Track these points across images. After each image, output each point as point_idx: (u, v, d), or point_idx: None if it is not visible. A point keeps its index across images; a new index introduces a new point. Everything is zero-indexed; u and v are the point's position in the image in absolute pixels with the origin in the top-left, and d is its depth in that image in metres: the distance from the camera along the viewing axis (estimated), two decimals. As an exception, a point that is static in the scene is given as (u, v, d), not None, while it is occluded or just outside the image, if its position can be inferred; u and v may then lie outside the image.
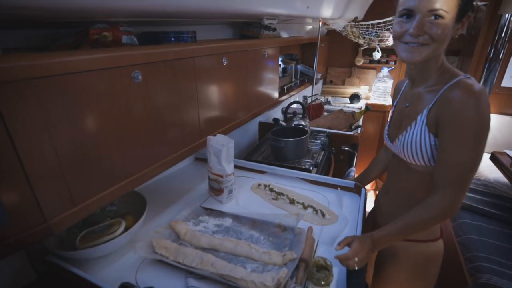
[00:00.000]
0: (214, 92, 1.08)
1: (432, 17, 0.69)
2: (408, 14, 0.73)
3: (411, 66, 0.84)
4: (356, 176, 1.22)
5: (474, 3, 0.72)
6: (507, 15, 2.14)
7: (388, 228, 0.79)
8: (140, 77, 0.76)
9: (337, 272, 0.79)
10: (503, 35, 2.20)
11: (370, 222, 1.09)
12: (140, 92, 0.77)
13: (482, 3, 0.74)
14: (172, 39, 0.97)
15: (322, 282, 0.65)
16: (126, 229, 0.84)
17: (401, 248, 0.92)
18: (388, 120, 1.00)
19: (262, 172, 1.31)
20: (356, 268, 0.75)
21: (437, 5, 0.68)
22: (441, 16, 0.69)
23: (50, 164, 0.59)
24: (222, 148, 0.98)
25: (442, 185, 0.74)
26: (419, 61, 0.75)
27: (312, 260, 0.69)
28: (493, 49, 2.27)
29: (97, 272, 0.78)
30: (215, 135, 1.05)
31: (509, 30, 2.18)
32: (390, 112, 0.98)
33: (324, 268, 0.68)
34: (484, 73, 2.35)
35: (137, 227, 0.84)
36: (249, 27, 1.45)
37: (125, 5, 0.66)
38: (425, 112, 0.77)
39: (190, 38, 1.01)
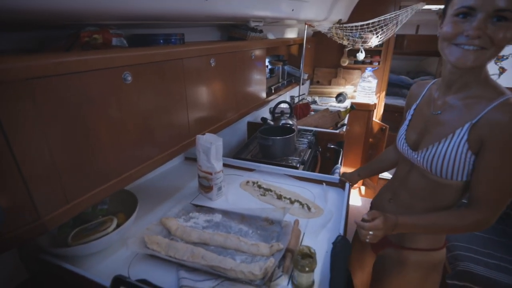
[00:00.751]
0: (203, 93, 1.11)
1: (495, 19, 0.62)
2: (467, 12, 0.65)
3: (453, 70, 0.74)
4: (352, 170, 1.23)
5: None
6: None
7: (415, 218, 0.80)
8: (130, 78, 0.78)
9: (322, 259, 0.83)
10: (478, 36, 2.32)
11: None
12: (131, 92, 0.79)
13: None
14: (161, 41, 1.00)
15: (307, 269, 0.70)
16: (118, 226, 0.87)
17: (409, 258, 0.91)
18: (405, 123, 0.92)
19: (251, 170, 1.35)
20: (367, 241, 0.80)
21: (505, 4, 0.60)
22: (506, 18, 0.62)
23: (45, 162, 0.61)
24: (211, 146, 1.02)
25: (481, 202, 0.73)
26: (471, 67, 0.68)
27: (297, 248, 0.74)
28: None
29: (90, 268, 0.80)
30: (204, 134, 1.08)
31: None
32: (407, 115, 0.93)
33: (308, 256, 0.72)
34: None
35: (129, 223, 0.87)
36: (236, 29, 1.49)
37: (115, 8, 0.69)
38: (466, 126, 0.72)
39: (178, 40, 1.04)
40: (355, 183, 1.20)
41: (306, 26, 2.18)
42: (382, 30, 2.35)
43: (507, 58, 2.53)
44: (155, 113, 0.90)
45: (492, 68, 2.58)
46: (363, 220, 0.81)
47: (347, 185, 1.16)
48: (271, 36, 1.99)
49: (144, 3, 0.76)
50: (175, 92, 0.97)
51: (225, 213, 1.01)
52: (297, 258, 0.71)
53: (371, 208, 1.07)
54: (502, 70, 2.58)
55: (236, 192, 1.18)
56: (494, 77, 2.57)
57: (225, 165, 1.37)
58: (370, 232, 0.78)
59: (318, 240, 0.92)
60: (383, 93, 3.20)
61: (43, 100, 0.58)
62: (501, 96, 0.69)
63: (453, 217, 0.77)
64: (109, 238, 0.82)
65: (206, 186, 1.10)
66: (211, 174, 1.06)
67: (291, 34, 2.48)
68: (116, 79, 0.75)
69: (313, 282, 0.74)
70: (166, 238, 0.87)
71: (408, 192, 0.89)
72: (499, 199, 0.72)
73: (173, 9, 0.87)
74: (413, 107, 0.91)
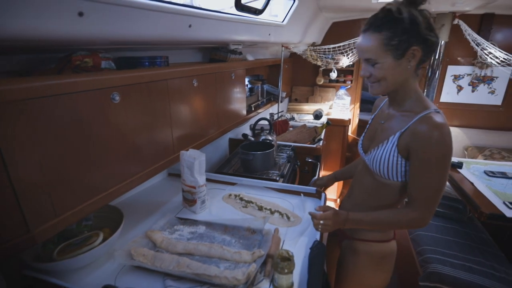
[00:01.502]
0: (186, 111, 1.18)
1: (370, 64, 0.85)
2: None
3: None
4: (330, 173, 1.35)
5: (414, 38, 0.79)
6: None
7: (363, 214, 0.93)
8: (118, 97, 0.84)
9: (301, 263, 0.90)
10: (437, 57, 2.57)
11: None
12: (118, 111, 0.85)
13: (429, 34, 0.80)
14: (147, 63, 1.07)
15: (286, 270, 0.76)
16: (104, 240, 0.89)
17: (360, 247, 1.04)
18: (364, 131, 1.09)
19: (233, 184, 1.41)
20: (319, 230, 0.93)
21: (366, 55, 0.84)
22: (375, 62, 0.83)
23: (35, 177, 0.65)
24: (195, 161, 1.07)
25: (413, 202, 0.86)
26: (378, 95, 0.92)
27: (276, 253, 0.80)
28: (430, 70, 2.62)
29: (78, 282, 0.82)
30: (187, 150, 1.14)
31: (442, 54, 2.55)
32: (368, 124, 1.09)
33: (287, 259, 0.78)
34: (425, 91, 2.69)
35: (115, 237, 0.89)
36: (217, 52, 1.59)
37: (108, 36, 0.76)
38: (397, 134, 0.86)
39: (163, 63, 1.12)
40: (331, 185, 1.32)
41: (283, 48, 2.33)
42: (352, 51, 2.56)
43: (463, 77, 2.80)
44: (141, 130, 0.95)
45: (451, 86, 2.84)
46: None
47: (323, 195, 1.24)
48: (250, 58, 2.12)
49: (133, 30, 0.83)
50: (160, 111, 1.03)
51: (209, 224, 1.06)
52: (277, 261, 0.77)
53: (339, 206, 1.21)
54: (460, 88, 2.84)
55: (219, 205, 1.23)
56: (453, 93, 2.83)
57: (208, 179, 1.42)
58: (321, 222, 0.91)
59: (297, 246, 0.98)
60: (357, 110, 3.40)
61: (35, 120, 0.63)
62: (425, 110, 0.84)
63: (393, 214, 0.90)
64: (95, 252, 0.84)
65: (190, 199, 1.14)
66: (194, 188, 1.11)
67: (269, 55, 2.63)
68: (105, 99, 0.80)
69: (292, 284, 0.80)
70: (152, 250, 0.91)
71: (360, 190, 1.04)
72: (428, 199, 0.84)
73: (159, 35, 0.95)
74: (372, 117, 1.08)
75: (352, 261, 1.07)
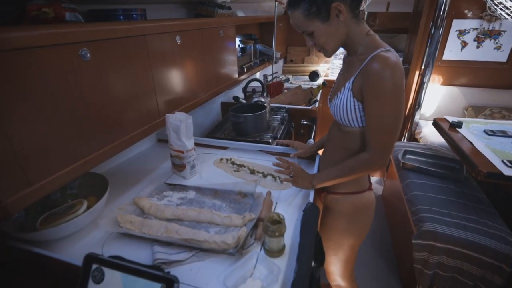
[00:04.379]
0: (170, 72, 1.09)
1: (308, 35, 0.87)
2: None
3: None
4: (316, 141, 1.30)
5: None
6: (445, -8, 2.32)
7: (326, 170, 0.96)
8: (88, 55, 0.75)
9: (293, 226, 0.88)
10: (441, 13, 2.39)
11: None
12: (91, 70, 0.76)
13: None
14: (121, 17, 0.96)
15: (276, 233, 0.73)
16: (88, 209, 0.86)
17: (335, 201, 1.05)
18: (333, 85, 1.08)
19: (224, 148, 1.36)
20: (290, 177, 1.00)
21: (300, 30, 0.87)
22: (310, 32, 0.85)
23: (1, 145, 0.59)
24: (181, 124, 1.01)
25: (369, 145, 0.86)
26: (331, 56, 0.95)
27: (267, 216, 0.77)
28: (433, 26, 2.46)
29: (62, 251, 0.79)
30: (173, 113, 1.07)
31: (447, 7, 2.37)
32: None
33: (278, 222, 0.76)
34: (427, 48, 2.55)
35: (100, 205, 0.86)
36: (203, 6, 1.45)
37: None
38: (351, 79, 0.87)
39: (140, 16, 1.00)
40: (308, 155, 1.25)
41: (276, 3, 2.15)
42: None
43: (468, 32, 2.64)
44: (120, 92, 0.87)
45: (455, 42, 2.69)
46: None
47: (317, 156, 1.20)
48: (240, 14, 1.95)
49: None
50: (140, 71, 0.94)
51: (199, 189, 1.02)
52: (267, 224, 0.74)
53: None
54: (464, 44, 2.70)
55: (210, 169, 1.20)
56: (457, 50, 2.69)
57: (198, 144, 1.38)
58: (291, 168, 0.99)
59: (290, 209, 0.96)
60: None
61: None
62: (376, 49, 0.83)
63: (353, 161, 0.90)
64: (79, 220, 0.81)
65: (179, 165, 1.10)
66: (182, 152, 1.06)
67: (261, 12, 2.44)
68: (74, 56, 0.71)
69: (283, 246, 0.78)
70: (140, 217, 0.88)
71: (330, 144, 1.05)
72: (382, 141, 0.83)
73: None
74: (339, 72, 1.07)
75: (329, 216, 1.08)
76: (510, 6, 2.01)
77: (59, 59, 0.68)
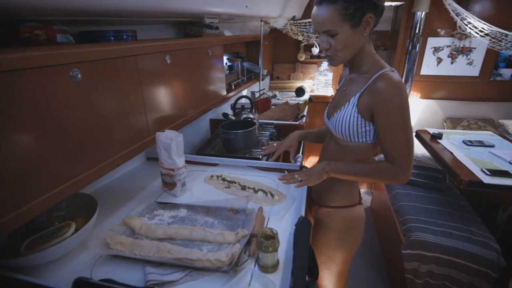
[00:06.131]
0: (160, 91, 1.10)
1: (329, 36, 0.85)
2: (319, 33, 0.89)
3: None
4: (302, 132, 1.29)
5: (367, 5, 0.81)
6: (419, 13, 2.48)
7: (345, 163, 0.94)
8: (79, 75, 0.75)
9: (286, 240, 0.88)
10: (417, 30, 2.55)
11: None
12: (81, 91, 0.77)
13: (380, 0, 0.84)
14: (112, 38, 0.97)
15: (270, 249, 0.73)
16: (76, 231, 0.83)
17: (327, 214, 1.07)
18: (330, 101, 1.11)
19: (214, 165, 1.37)
20: (300, 184, 0.97)
21: (324, 28, 0.84)
22: (335, 33, 0.83)
23: (-15, 166, 0.57)
24: (171, 142, 1.01)
25: (390, 158, 0.87)
26: (338, 65, 0.93)
27: (260, 231, 0.77)
28: (411, 43, 2.61)
29: (49, 277, 0.76)
30: (164, 131, 1.07)
31: (421, 26, 2.52)
32: (333, 95, 1.11)
33: (271, 237, 0.76)
34: (406, 64, 2.69)
35: (89, 226, 0.84)
36: (191, 26, 1.49)
37: (58, 2, 0.66)
38: (357, 95, 0.89)
39: (130, 37, 1.02)
40: (294, 144, 1.25)
41: (262, 22, 2.23)
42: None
43: (442, 49, 2.81)
44: (110, 112, 0.87)
45: (431, 58, 2.85)
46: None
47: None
48: (227, 33, 2.01)
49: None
50: (130, 90, 0.95)
51: (190, 207, 1.02)
52: (261, 240, 0.74)
53: None
54: (439, 60, 2.86)
55: (200, 187, 1.19)
56: (433, 66, 2.85)
57: (188, 161, 1.37)
58: (297, 176, 0.96)
59: (282, 224, 0.96)
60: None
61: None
62: (381, 69, 0.87)
63: (374, 166, 0.90)
64: (67, 244, 0.79)
65: (169, 183, 1.09)
66: (173, 170, 1.06)
67: (248, 31, 2.52)
68: (64, 77, 0.72)
69: (277, 262, 0.78)
70: (130, 238, 0.86)
71: (326, 157, 1.06)
72: (405, 153, 0.85)
73: (122, 3, 0.85)
74: (337, 88, 1.10)
75: (321, 230, 1.09)
76: (478, 26, 2.17)
77: (50, 80, 0.68)
